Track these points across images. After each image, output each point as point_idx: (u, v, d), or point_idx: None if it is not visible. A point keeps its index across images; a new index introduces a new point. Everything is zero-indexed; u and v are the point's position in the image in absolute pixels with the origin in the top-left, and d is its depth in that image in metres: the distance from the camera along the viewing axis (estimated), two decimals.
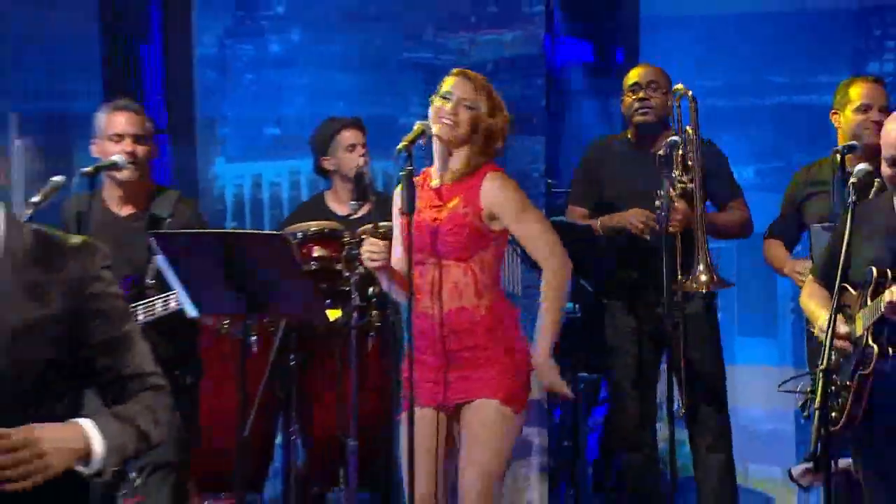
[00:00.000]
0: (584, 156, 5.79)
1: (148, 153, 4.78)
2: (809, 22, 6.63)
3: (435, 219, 4.21)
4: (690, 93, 5.15)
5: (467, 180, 4.23)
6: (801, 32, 6.58)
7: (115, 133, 4.70)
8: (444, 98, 4.20)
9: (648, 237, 5.25)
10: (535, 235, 4.24)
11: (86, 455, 2.35)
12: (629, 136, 5.53)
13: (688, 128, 5.15)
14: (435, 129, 4.18)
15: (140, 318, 4.56)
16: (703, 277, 5.04)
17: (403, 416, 4.24)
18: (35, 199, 4.60)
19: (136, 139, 4.70)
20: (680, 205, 5.09)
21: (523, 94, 6.38)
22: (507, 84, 6.18)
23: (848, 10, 6.63)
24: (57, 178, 4.65)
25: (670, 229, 5.10)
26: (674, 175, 5.09)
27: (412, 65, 6.72)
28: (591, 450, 6.47)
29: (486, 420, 4.19)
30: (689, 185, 5.10)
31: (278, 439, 5.45)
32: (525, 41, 6.51)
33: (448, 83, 4.23)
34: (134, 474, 4.74)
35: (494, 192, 4.19)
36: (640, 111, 5.40)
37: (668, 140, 5.11)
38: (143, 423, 2.46)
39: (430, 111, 4.23)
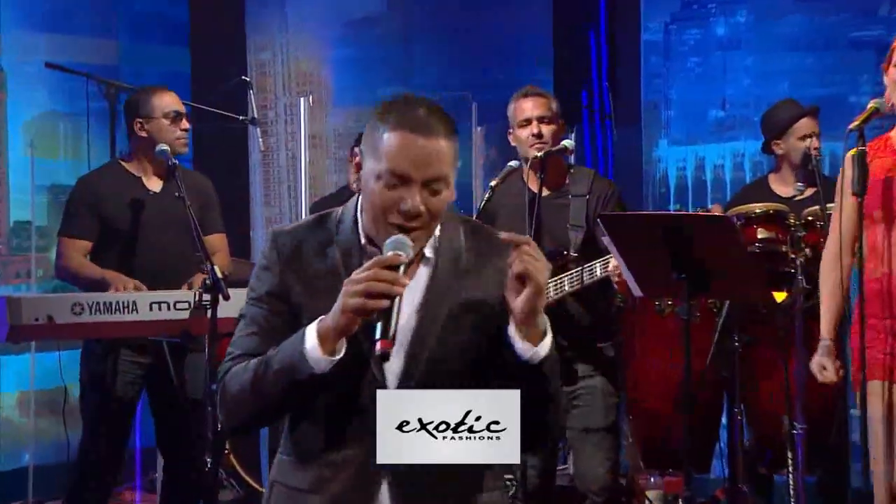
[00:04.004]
0: None
1: (554, 132, 4.87)
2: None
3: None
4: None
5: None
6: None
7: (522, 119, 4.86)
8: None
9: None
10: None
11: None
12: None
13: None
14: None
15: (566, 287, 4.67)
16: None
17: (871, 385, 3.95)
18: (493, 183, 4.83)
19: (542, 120, 4.84)
20: None
21: None
22: None
23: None
24: (512, 163, 4.88)
25: None
26: None
27: (863, 43, 6.48)
28: None
29: None
30: None
31: (723, 419, 5.41)
32: None
33: None
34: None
35: None
36: None
37: None
38: None
39: (886, 80, 3.99)
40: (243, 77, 6.05)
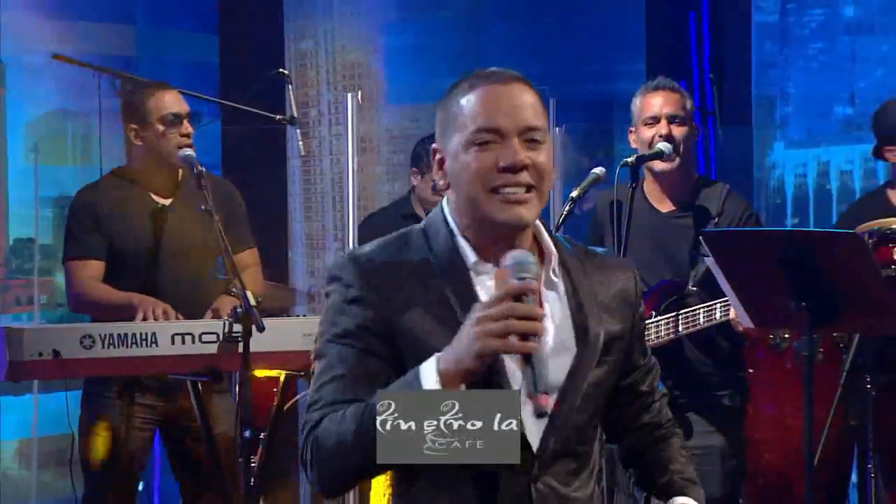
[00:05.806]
0: None
1: (686, 136, 4.85)
2: None
3: None
4: None
5: None
6: None
7: (648, 116, 4.84)
8: None
9: None
10: None
11: None
12: None
13: None
14: None
15: (680, 329, 4.65)
16: None
17: None
18: (574, 193, 4.80)
19: (672, 120, 4.81)
20: None
21: None
22: None
23: None
24: (597, 170, 4.84)
25: None
26: None
27: None
28: None
29: None
30: None
31: (853, 476, 5.37)
32: None
33: None
34: None
35: None
36: None
37: None
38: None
39: None
40: (280, 69, 6.07)
